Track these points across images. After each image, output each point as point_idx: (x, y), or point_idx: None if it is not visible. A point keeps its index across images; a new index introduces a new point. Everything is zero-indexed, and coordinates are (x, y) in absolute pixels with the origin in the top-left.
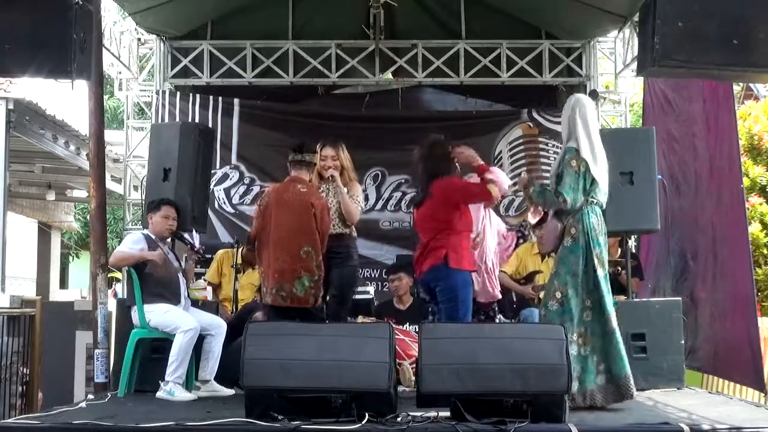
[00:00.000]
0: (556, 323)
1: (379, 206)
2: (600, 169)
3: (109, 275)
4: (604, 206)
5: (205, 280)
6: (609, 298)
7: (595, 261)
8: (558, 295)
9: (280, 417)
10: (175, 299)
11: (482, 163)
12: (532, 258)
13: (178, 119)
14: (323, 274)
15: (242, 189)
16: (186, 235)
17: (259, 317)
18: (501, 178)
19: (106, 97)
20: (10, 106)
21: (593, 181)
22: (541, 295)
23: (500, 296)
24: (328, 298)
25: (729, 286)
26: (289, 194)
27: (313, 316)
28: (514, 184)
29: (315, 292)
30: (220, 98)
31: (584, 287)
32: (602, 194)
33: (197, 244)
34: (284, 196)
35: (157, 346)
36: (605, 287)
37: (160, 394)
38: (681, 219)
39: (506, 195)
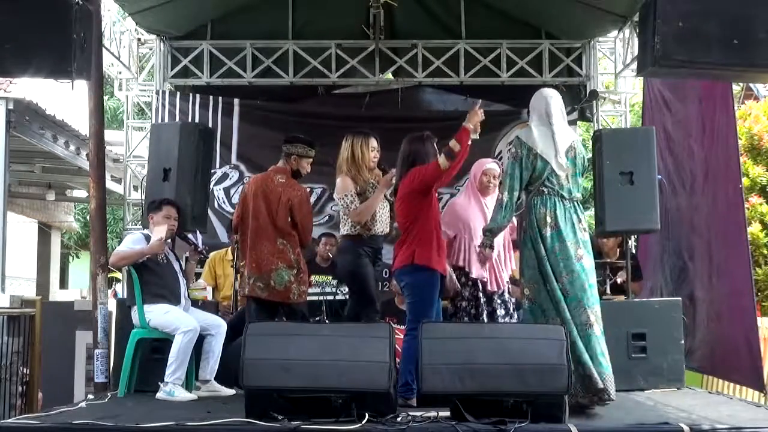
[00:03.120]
0: (531, 321)
1: None
2: (555, 154)
3: (109, 275)
4: (573, 195)
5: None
6: (556, 294)
7: (542, 254)
8: (527, 292)
9: (280, 417)
10: (175, 299)
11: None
12: None
13: (178, 119)
14: (305, 270)
15: (242, 188)
16: (189, 235)
17: None
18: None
19: (106, 97)
20: (10, 106)
21: (536, 165)
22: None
23: (503, 287)
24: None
25: (726, 286)
26: (268, 185)
27: (293, 312)
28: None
29: (297, 287)
30: (220, 98)
31: (537, 281)
32: (565, 181)
33: (200, 244)
34: (263, 185)
35: (157, 347)
36: (551, 282)
37: (159, 395)
38: (678, 219)
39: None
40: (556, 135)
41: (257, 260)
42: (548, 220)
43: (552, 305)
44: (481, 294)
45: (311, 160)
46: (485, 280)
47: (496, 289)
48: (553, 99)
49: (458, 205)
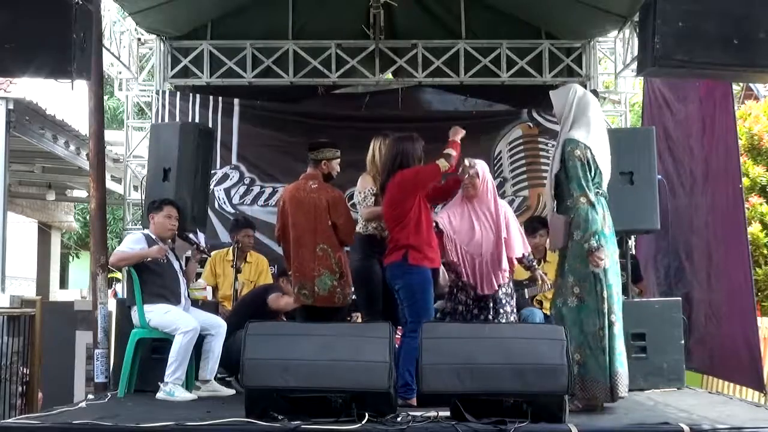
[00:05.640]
0: (578, 320)
1: None
2: (604, 158)
3: (109, 275)
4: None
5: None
6: (612, 291)
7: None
8: (576, 290)
9: (280, 417)
10: (175, 299)
11: (455, 141)
12: None
13: (178, 119)
14: (348, 273)
15: (242, 189)
16: (191, 235)
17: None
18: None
19: (106, 97)
20: (10, 106)
21: (597, 170)
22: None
23: (496, 288)
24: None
25: (725, 286)
26: (302, 192)
27: (341, 317)
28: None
29: (342, 290)
30: (220, 98)
31: (595, 279)
32: (605, 184)
33: (203, 243)
34: (297, 194)
35: (157, 347)
36: (610, 279)
37: (159, 395)
38: (676, 219)
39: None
40: (604, 138)
41: (300, 269)
42: (605, 220)
43: (601, 305)
44: (471, 300)
45: (339, 159)
46: (474, 284)
47: (487, 293)
48: (595, 101)
49: (451, 213)
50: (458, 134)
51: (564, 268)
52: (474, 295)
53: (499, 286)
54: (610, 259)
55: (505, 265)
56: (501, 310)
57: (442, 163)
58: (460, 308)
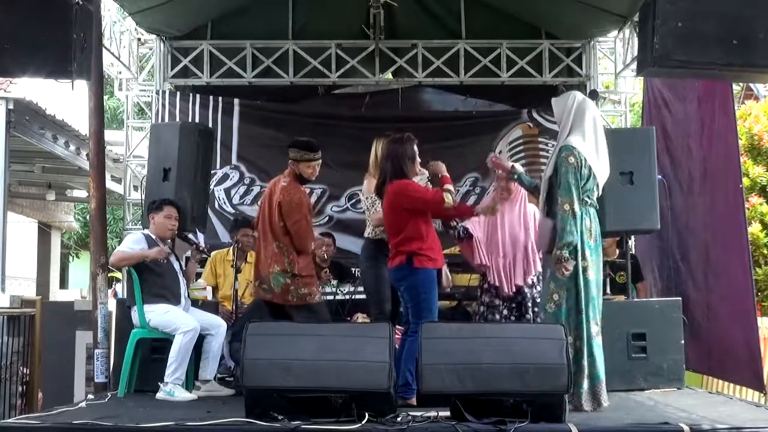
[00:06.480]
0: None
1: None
2: (600, 164)
3: (109, 275)
4: (596, 204)
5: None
6: (596, 303)
7: (586, 263)
8: (555, 297)
9: (280, 417)
10: (175, 299)
11: (446, 175)
12: None
13: (178, 119)
14: (307, 275)
15: (242, 189)
16: (190, 235)
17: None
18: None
19: (106, 97)
20: (10, 106)
21: (590, 178)
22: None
23: (520, 283)
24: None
25: (724, 286)
26: (274, 188)
27: (301, 314)
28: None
29: (295, 290)
30: (220, 98)
31: (577, 289)
32: (596, 194)
33: (202, 243)
34: (271, 188)
35: (157, 347)
36: (593, 291)
37: (159, 395)
38: (673, 219)
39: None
40: (601, 146)
41: (260, 263)
42: (592, 231)
43: (575, 314)
44: (499, 300)
45: (313, 163)
46: (498, 285)
47: (509, 293)
48: (594, 107)
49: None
50: (442, 168)
51: (547, 273)
52: (503, 295)
53: (528, 285)
54: (594, 271)
55: (531, 265)
56: (535, 308)
57: (448, 198)
58: (482, 309)
